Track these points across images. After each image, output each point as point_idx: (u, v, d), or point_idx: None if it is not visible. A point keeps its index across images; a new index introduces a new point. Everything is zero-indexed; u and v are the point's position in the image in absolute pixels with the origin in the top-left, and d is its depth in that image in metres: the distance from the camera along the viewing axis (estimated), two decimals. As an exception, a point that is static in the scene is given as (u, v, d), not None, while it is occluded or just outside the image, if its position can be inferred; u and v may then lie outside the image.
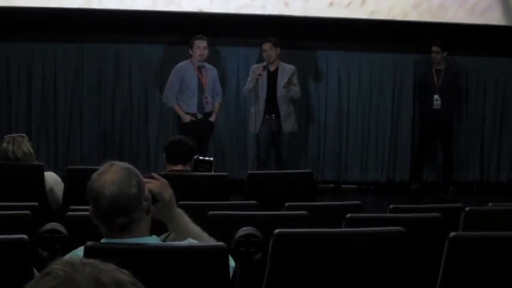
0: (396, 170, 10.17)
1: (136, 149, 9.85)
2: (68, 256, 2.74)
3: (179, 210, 2.93)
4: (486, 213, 4.69)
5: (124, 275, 1.26)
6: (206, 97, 8.78)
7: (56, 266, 1.24)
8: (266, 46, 8.92)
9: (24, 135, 5.89)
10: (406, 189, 9.85)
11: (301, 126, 9.79)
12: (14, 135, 5.81)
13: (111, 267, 1.26)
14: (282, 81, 8.89)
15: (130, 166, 2.74)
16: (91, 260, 1.27)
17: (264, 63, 8.96)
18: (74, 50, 9.64)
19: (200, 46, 8.66)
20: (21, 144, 5.65)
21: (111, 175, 2.66)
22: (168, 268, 2.82)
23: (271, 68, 8.96)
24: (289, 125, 9.01)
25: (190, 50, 8.74)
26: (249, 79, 8.99)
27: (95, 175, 2.69)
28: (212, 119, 8.90)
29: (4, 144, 5.65)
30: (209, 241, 2.98)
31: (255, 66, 9.06)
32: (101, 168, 2.70)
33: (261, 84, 8.85)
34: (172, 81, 8.82)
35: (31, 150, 5.72)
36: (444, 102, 9.49)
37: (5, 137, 5.79)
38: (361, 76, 10.06)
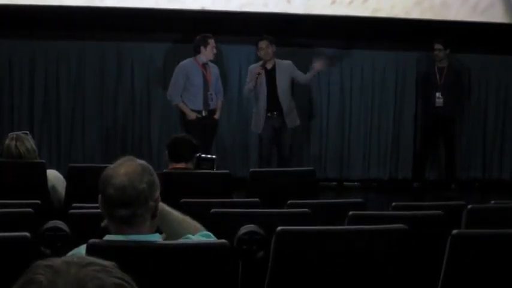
0: (398, 168, 10.17)
1: (139, 147, 9.84)
2: (70, 254, 2.74)
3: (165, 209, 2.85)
4: (488, 211, 4.70)
5: (110, 277, 1.20)
6: (211, 94, 8.79)
7: (39, 271, 1.21)
8: (263, 44, 8.85)
9: (28, 132, 5.93)
10: (408, 187, 9.83)
11: (304, 124, 9.76)
12: (17, 132, 5.83)
13: (95, 268, 1.20)
14: (281, 78, 8.87)
15: (148, 165, 2.73)
16: (74, 259, 1.23)
17: (261, 62, 8.92)
18: (76, 48, 9.63)
19: (214, 45, 8.69)
20: (25, 141, 5.67)
21: (125, 168, 2.67)
22: (170, 266, 2.82)
23: (268, 66, 8.90)
24: (292, 120, 9.00)
25: (202, 48, 8.69)
26: (247, 80, 8.97)
27: (110, 166, 2.71)
28: (217, 116, 8.91)
29: (7, 141, 5.67)
30: (196, 226, 2.93)
31: (252, 66, 9.03)
32: (118, 161, 2.72)
33: (259, 82, 8.83)
34: (177, 79, 8.80)
35: (34, 147, 5.74)
36: (446, 100, 9.49)
37: (9, 134, 5.81)
38: (363, 74, 10.05)
